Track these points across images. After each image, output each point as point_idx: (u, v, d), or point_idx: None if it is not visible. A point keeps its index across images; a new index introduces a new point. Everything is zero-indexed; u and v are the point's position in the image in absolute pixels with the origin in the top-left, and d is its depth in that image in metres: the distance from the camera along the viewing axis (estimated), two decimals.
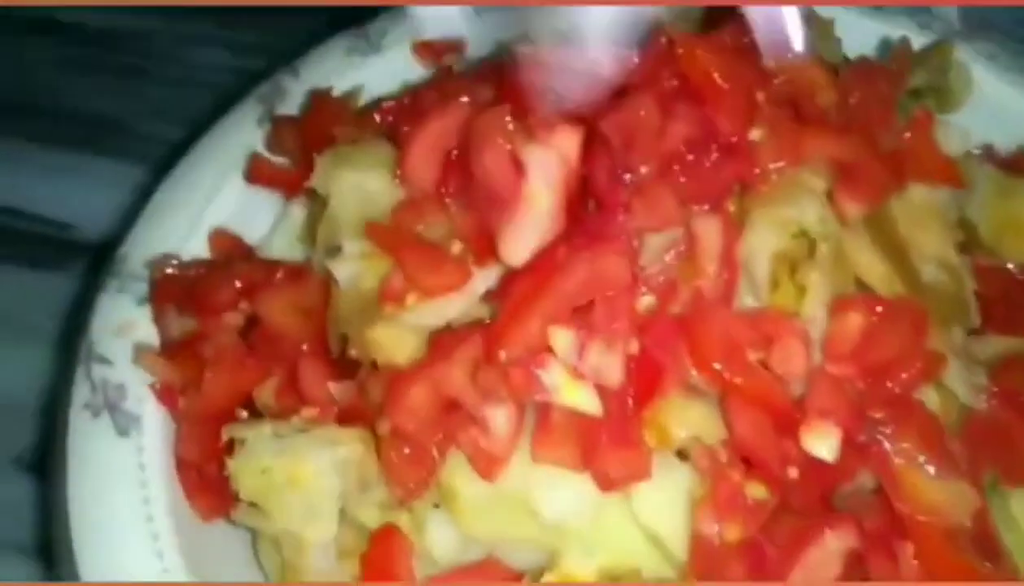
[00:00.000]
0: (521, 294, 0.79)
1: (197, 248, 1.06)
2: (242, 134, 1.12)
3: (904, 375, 0.78)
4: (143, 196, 1.11)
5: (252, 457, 0.83)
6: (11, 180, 1.43)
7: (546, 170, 0.81)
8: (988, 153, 1.08)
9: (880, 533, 0.79)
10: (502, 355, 0.78)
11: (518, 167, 0.82)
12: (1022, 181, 1.01)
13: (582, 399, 0.78)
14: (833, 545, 0.78)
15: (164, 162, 1.14)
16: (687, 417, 0.79)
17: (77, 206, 1.42)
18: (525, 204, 0.81)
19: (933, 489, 0.76)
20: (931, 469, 0.76)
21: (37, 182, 1.44)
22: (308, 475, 0.82)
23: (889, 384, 0.79)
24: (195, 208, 1.08)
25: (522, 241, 0.81)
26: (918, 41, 1.11)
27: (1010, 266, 0.96)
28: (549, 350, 0.78)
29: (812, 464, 0.79)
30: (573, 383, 0.78)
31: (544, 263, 0.80)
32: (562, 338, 0.78)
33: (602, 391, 0.79)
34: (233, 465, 0.83)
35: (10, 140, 1.47)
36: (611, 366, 0.78)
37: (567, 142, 0.81)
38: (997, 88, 1.11)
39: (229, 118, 1.15)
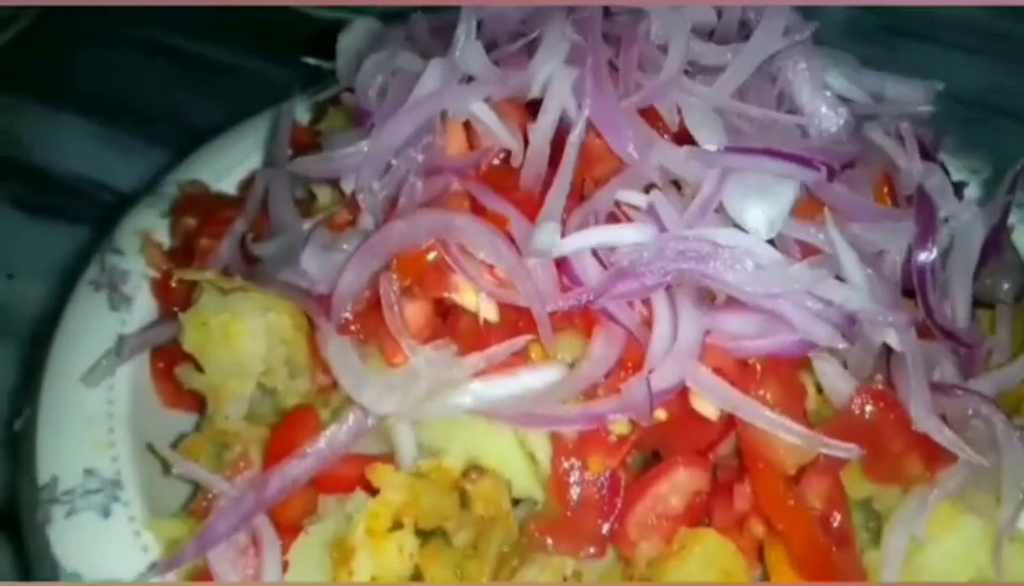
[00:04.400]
0: None
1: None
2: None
3: None
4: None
5: (198, 311, 0.94)
6: None
7: None
8: None
9: (728, 481, 0.84)
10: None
11: None
12: None
13: (482, 304, 0.87)
14: (682, 480, 0.83)
15: None
16: (568, 342, 0.87)
17: None
18: None
19: (774, 438, 0.81)
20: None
21: None
22: (239, 333, 0.92)
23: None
24: (239, 156, 1.24)
25: None
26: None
27: None
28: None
29: (694, 421, 0.86)
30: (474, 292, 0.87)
31: None
32: None
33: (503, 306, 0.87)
34: (183, 317, 0.94)
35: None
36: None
37: None
38: None
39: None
